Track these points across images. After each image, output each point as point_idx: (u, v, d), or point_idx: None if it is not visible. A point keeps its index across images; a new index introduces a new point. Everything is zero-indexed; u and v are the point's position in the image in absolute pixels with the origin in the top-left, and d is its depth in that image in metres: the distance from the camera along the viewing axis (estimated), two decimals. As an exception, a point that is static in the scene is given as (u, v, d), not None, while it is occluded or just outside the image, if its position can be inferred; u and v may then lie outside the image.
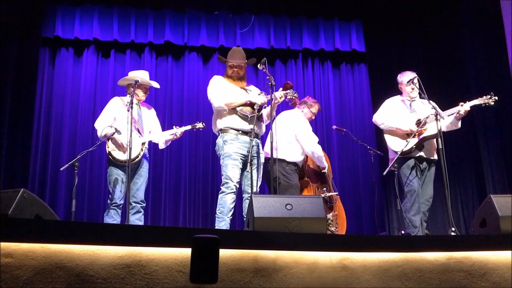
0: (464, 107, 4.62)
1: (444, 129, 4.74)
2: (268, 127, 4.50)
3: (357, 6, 7.07)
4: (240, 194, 4.53)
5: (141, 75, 4.93)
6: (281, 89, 4.55)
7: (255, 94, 4.57)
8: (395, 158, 4.70)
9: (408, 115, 4.91)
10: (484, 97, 4.70)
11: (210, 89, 4.59)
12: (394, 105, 5.04)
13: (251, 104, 4.45)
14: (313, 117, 5.44)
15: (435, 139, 4.76)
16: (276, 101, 4.40)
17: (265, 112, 4.56)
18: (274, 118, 4.58)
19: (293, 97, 4.66)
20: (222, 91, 4.49)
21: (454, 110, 4.69)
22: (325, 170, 5.25)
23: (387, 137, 4.96)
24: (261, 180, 4.54)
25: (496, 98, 4.67)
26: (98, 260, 2.71)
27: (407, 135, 4.81)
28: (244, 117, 4.42)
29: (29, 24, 6.20)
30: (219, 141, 4.49)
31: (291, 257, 2.98)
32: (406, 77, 5.00)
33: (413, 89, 4.93)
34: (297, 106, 5.33)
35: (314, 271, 2.98)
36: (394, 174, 4.84)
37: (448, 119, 4.75)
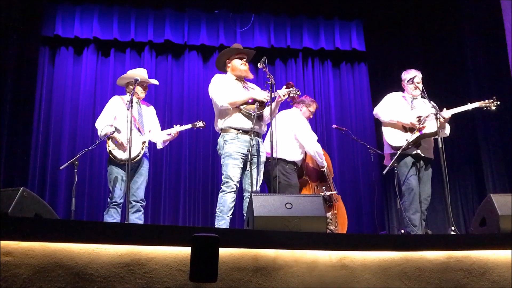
0: (443, 113, 4.62)
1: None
2: (268, 126, 4.49)
3: (358, 5, 7.06)
4: (241, 193, 4.52)
5: (139, 73, 4.93)
6: (284, 87, 4.54)
7: (257, 91, 4.56)
8: (395, 157, 4.69)
9: (408, 111, 4.91)
10: (487, 100, 4.71)
11: (212, 89, 4.53)
12: (395, 100, 5.04)
13: (254, 101, 4.43)
14: (311, 116, 5.45)
15: (433, 138, 4.78)
16: (279, 99, 4.40)
17: (267, 110, 4.53)
18: (273, 117, 4.56)
19: (296, 95, 4.65)
20: (225, 90, 4.46)
21: (456, 110, 4.70)
22: (324, 169, 5.25)
23: (385, 131, 4.95)
24: (261, 179, 4.53)
25: (498, 102, 4.67)
26: (98, 258, 2.71)
27: (406, 130, 4.81)
28: (248, 116, 4.40)
29: (29, 22, 6.18)
30: (220, 140, 4.48)
31: (291, 256, 2.98)
32: (409, 75, 5.02)
33: (416, 87, 4.92)
34: (295, 105, 5.33)
35: (314, 270, 2.98)
36: (394, 173, 4.84)
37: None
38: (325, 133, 6.99)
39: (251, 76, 4.68)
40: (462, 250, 3.24)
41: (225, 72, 4.70)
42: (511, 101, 6.01)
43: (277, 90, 4.39)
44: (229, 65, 4.65)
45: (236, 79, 4.60)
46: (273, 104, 4.41)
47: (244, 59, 4.61)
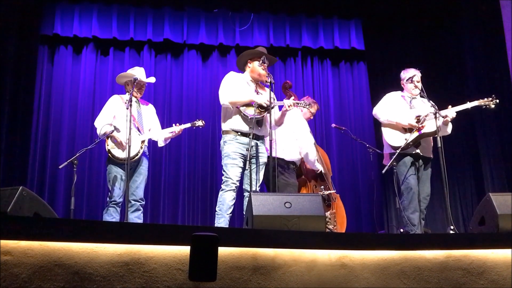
0: (448, 111, 4.61)
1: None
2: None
3: (357, 4, 7.05)
4: (241, 193, 4.53)
5: (137, 72, 4.93)
6: (292, 98, 4.56)
7: (261, 95, 4.56)
8: (394, 156, 4.69)
9: (407, 110, 4.92)
10: (486, 99, 4.70)
11: (221, 85, 4.56)
12: (394, 100, 5.04)
13: (255, 105, 4.43)
14: (312, 117, 5.46)
15: (432, 137, 4.78)
16: (284, 109, 4.43)
17: (274, 117, 4.52)
18: (279, 126, 4.61)
19: (303, 108, 4.67)
20: (231, 88, 4.47)
21: (456, 109, 4.70)
22: (319, 171, 5.25)
23: (385, 131, 4.96)
24: (261, 180, 4.53)
25: (498, 101, 4.67)
26: (97, 258, 2.71)
27: (405, 131, 4.82)
28: (245, 118, 4.42)
29: (28, 21, 6.18)
30: (221, 142, 4.53)
31: (290, 255, 2.98)
32: (408, 74, 5.02)
33: (415, 87, 4.92)
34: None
35: (313, 269, 2.98)
36: (393, 172, 4.85)
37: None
38: (324, 132, 6.99)
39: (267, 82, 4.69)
40: (461, 249, 3.24)
41: (243, 71, 4.72)
42: (510, 99, 6.02)
43: (284, 100, 4.43)
44: (249, 65, 4.65)
45: (252, 80, 4.62)
46: (279, 113, 4.47)
47: (266, 64, 4.63)
